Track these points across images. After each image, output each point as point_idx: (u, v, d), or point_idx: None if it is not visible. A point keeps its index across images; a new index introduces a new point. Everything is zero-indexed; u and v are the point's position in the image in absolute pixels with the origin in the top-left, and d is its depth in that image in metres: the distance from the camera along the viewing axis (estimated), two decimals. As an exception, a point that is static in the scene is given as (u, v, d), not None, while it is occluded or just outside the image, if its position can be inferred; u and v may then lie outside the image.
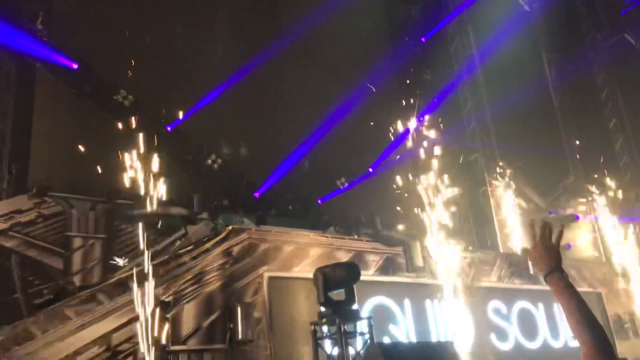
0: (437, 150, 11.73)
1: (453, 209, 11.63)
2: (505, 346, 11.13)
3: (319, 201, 12.06)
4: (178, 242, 8.77)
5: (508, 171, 14.53)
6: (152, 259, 7.77)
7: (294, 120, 11.90)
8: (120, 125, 9.16)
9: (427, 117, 12.62)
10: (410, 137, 12.33)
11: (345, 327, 7.13)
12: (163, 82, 10.49)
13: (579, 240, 15.32)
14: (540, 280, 12.40)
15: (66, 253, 8.15)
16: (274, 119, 11.80)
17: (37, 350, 7.02)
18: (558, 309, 12.22)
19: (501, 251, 13.22)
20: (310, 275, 7.48)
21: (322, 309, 7.20)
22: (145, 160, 8.41)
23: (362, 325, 7.45)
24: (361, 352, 7.26)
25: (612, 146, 18.04)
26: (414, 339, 9.74)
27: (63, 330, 7.27)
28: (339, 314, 7.08)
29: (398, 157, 12.41)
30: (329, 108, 12.05)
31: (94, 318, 7.48)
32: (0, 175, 8.85)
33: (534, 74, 17.35)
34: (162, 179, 8.14)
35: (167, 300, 7.83)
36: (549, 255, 2.19)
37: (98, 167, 9.11)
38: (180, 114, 10.52)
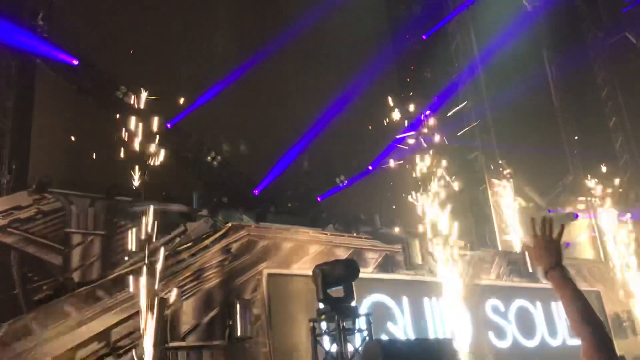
0: (437, 148, 11.75)
1: (452, 206, 11.66)
2: (503, 344, 11.16)
3: (319, 199, 12.07)
4: (177, 239, 8.79)
5: (507, 170, 14.55)
6: (151, 256, 7.79)
7: (294, 117, 11.90)
8: (120, 121, 9.18)
9: (427, 114, 12.63)
10: (410, 134, 12.35)
11: (344, 324, 7.15)
12: (163, 79, 10.48)
13: (578, 239, 15.34)
14: (538, 279, 12.49)
15: (65, 249, 8.15)
16: (274, 116, 11.80)
17: (36, 346, 7.04)
18: (556, 308, 12.26)
19: (500, 249, 13.24)
20: (309, 273, 7.50)
21: (321, 305, 7.22)
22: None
23: (360, 322, 7.47)
24: (359, 348, 7.27)
25: (612, 145, 18.04)
26: (412, 337, 9.77)
27: (62, 326, 7.29)
28: (338, 311, 7.10)
29: (398, 154, 12.42)
30: (329, 105, 12.05)
31: (94, 314, 7.51)
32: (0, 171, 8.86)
33: (535, 72, 17.34)
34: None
35: (166, 296, 7.86)
36: (550, 251, 2.19)
37: (98, 165, 9.15)
38: (180, 111, 10.52)
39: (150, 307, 7.47)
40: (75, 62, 10.02)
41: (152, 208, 7.96)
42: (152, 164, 8.90)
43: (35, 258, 7.90)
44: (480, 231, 13.90)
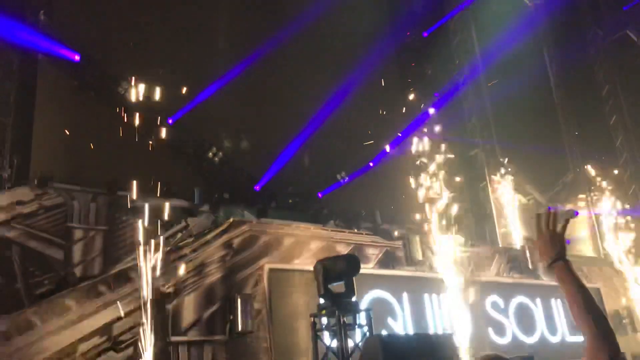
0: (438, 145, 11.77)
1: (453, 203, 11.68)
2: (503, 340, 11.19)
3: (319, 195, 12.08)
4: (179, 235, 8.81)
5: (508, 167, 14.57)
6: (153, 251, 7.82)
7: (295, 113, 11.90)
8: (121, 117, 9.20)
9: (428, 111, 12.66)
10: (410, 131, 12.37)
11: (345, 319, 7.17)
12: (164, 75, 10.48)
13: (578, 236, 15.36)
14: (538, 276, 12.52)
15: (67, 244, 8.17)
16: (275, 112, 11.81)
17: (38, 340, 7.07)
18: (555, 304, 12.30)
19: (500, 246, 13.27)
20: (310, 268, 7.52)
21: (322, 300, 7.24)
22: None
23: (361, 318, 7.49)
24: (360, 344, 7.30)
25: (612, 143, 18.05)
26: (412, 332, 9.80)
27: (64, 321, 7.32)
28: (339, 306, 7.11)
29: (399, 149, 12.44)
30: (330, 101, 12.06)
31: (95, 308, 7.54)
32: (1, 166, 8.86)
33: (535, 70, 17.34)
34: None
35: (167, 291, 7.89)
36: (554, 244, 2.21)
37: (100, 160, 9.16)
38: (182, 107, 10.53)
39: (152, 302, 7.50)
40: (77, 58, 10.03)
41: (154, 204, 7.99)
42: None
43: (37, 253, 7.92)
44: (481, 228, 13.93)
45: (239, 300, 8.15)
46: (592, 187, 15.50)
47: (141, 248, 7.77)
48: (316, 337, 7.30)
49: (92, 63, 10.22)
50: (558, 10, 17.91)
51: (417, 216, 11.50)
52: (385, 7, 15.24)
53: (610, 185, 15.50)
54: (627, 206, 15.23)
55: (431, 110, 13.13)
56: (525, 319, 11.77)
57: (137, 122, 9.26)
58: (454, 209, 11.70)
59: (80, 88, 10.17)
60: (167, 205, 8.52)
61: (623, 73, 18.44)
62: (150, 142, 9.34)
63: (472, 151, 14.85)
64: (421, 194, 11.58)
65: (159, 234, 8.14)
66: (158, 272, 7.72)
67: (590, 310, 2.07)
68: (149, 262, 7.69)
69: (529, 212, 14.31)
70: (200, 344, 7.98)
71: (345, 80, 12.23)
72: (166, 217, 8.38)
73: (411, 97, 13.52)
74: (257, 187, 11.35)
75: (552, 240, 2.22)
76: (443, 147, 12.48)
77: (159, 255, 7.93)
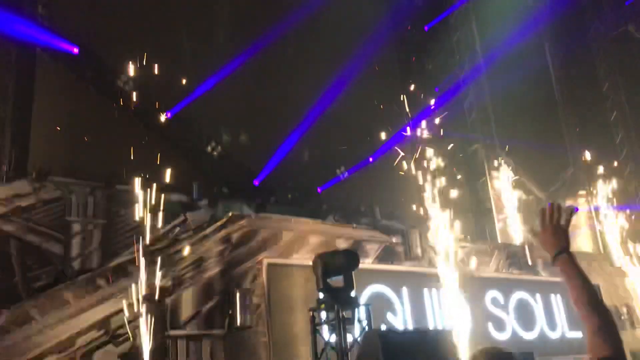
0: (438, 140, 11.74)
1: (452, 198, 11.66)
2: (503, 336, 11.18)
3: (319, 190, 12.06)
4: (177, 229, 8.79)
5: (508, 163, 14.54)
6: (151, 245, 7.80)
7: (294, 108, 11.87)
8: (120, 111, 9.16)
9: (429, 106, 12.62)
10: (411, 126, 12.34)
11: (344, 314, 7.15)
12: (164, 69, 10.45)
13: (578, 232, 15.35)
14: (538, 272, 12.51)
15: (65, 238, 8.15)
16: (274, 107, 11.77)
17: (36, 333, 7.06)
18: (555, 300, 12.29)
19: (499, 242, 13.26)
20: (309, 263, 7.49)
21: (321, 295, 7.21)
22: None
23: (360, 312, 7.47)
24: (359, 338, 7.28)
25: (612, 139, 18.02)
26: (411, 328, 9.79)
27: (62, 314, 7.31)
28: (338, 301, 7.09)
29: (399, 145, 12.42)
30: (330, 96, 12.02)
31: (93, 302, 7.52)
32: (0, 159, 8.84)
33: (536, 66, 17.28)
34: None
35: (166, 285, 7.87)
36: (558, 236, 2.20)
37: (98, 153, 9.14)
38: (180, 100, 10.50)
39: (150, 296, 7.49)
40: (76, 51, 9.99)
41: (152, 198, 7.97)
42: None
43: (35, 246, 7.90)
44: (480, 224, 13.92)
45: (237, 295, 8.14)
46: (592, 182, 15.45)
47: (140, 242, 7.75)
48: (315, 331, 7.28)
49: (91, 56, 10.19)
50: (559, 5, 17.84)
51: (417, 211, 11.48)
52: (386, 0, 15.19)
53: (608, 173, 15.46)
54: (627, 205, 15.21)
55: (431, 105, 13.09)
56: (525, 315, 11.76)
57: (135, 115, 9.21)
58: (454, 204, 11.67)
59: (79, 81, 10.14)
60: (165, 199, 8.49)
61: (624, 69, 18.38)
62: (148, 136, 9.29)
63: (472, 147, 14.83)
64: (421, 188, 11.55)
65: (157, 228, 8.12)
66: (156, 266, 7.70)
67: (593, 303, 2.05)
68: (147, 256, 7.67)
69: (528, 208, 14.29)
70: (199, 338, 7.97)
71: (345, 75, 12.19)
72: (165, 211, 8.36)
73: (411, 91, 13.48)
74: (256, 182, 11.33)
75: (556, 233, 2.21)
76: (442, 142, 12.45)
77: (157, 249, 7.91)
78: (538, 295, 12.13)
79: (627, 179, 16.89)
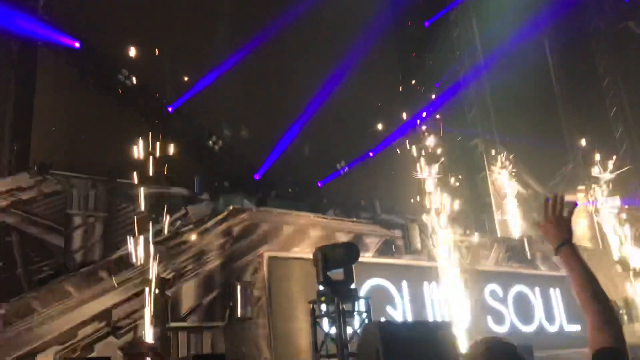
0: (437, 135, 11.77)
1: (452, 193, 11.70)
2: (502, 329, 11.23)
3: (319, 184, 12.10)
4: (179, 222, 8.83)
5: (507, 158, 14.58)
6: (153, 238, 7.84)
7: (295, 103, 11.90)
8: (121, 105, 9.19)
9: (429, 100, 12.65)
10: (410, 121, 12.37)
11: (344, 306, 7.18)
12: (165, 63, 10.48)
13: (577, 227, 15.39)
14: (537, 265, 12.56)
15: (67, 231, 8.20)
16: (275, 101, 11.81)
17: (37, 325, 7.10)
18: (554, 294, 12.34)
19: (499, 236, 13.31)
20: (310, 256, 7.53)
21: (321, 287, 7.25)
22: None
23: (360, 305, 7.51)
24: (359, 331, 7.32)
25: (612, 134, 18.04)
26: (410, 320, 9.84)
27: (64, 306, 7.35)
28: (338, 293, 7.12)
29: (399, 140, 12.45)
30: (330, 91, 12.05)
31: (95, 294, 7.57)
32: (1, 152, 8.88)
33: (536, 62, 17.29)
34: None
35: (167, 278, 7.91)
36: (561, 228, 2.21)
37: (99, 147, 9.17)
38: (182, 95, 10.54)
39: (152, 288, 7.53)
40: (77, 45, 10.02)
41: (154, 191, 8.01)
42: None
43: (37, 239, 7.95)
44: (480, 218, 13.96)
45: (238, 287, 8.18)
46: (590, 174, 15.47)
47: (142, 235, 7.79)
48: (315, 323, 7.32)
49: (92, 50, 10.21)
50: (559, 2, 17.84)
51: (417, 205, 11.52)
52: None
53: (604, 163, 15.47)
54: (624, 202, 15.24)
55: (431, 100, 13.12)
56: (523, 308, 11.82)
57: (136, 109, 9.24)
58: (453, 198, 11.71)
59: (80, 75, 10.17)
60: (167, 193, 8.53)
61: (624, 65, 18.39)
62: (150, 130, 9.31)
63: (472, 142, 14.86)
64: (420, 183, 11.59)
65: (159, 220, 8.17)
66: (158, 259, 7.74)
67: (595, 295, 2.07)
68: (149, 248, 7.71)
69: (527, 202, 14.33)
70: (200, 330, 8.02)
71: (345, 70, 12.22)
72: (166, 204, 8.40)
73: (412, 86, 13.51)
74: (257, 176, 11.37)
75: (558, 225, 2.22)
76: (442, 137, 12.48)
77: (159, 242, 7.96)
78: (537, 289, 12.19)
79: (626, 173, 16.90)
